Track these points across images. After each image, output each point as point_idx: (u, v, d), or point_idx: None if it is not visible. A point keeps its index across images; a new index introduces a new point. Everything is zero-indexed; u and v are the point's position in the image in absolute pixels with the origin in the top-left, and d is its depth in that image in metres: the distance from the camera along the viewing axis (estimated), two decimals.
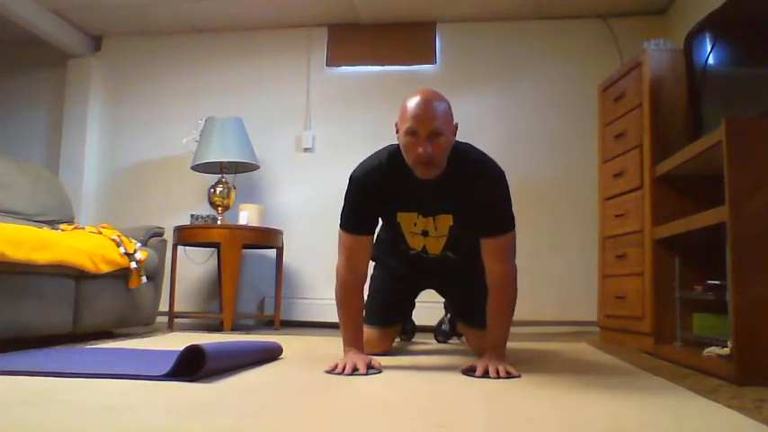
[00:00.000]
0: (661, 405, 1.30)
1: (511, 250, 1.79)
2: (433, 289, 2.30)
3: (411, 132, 1.64)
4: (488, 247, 1.77)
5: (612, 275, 2.84)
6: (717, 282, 2.02)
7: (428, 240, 1.94)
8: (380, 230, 2.08)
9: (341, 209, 1.82)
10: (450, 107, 1.71)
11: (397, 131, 1.73)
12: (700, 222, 1.98)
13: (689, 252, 2.35)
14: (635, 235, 2.61)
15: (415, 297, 2.36)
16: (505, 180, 1.77)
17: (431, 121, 1.63)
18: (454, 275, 2.14)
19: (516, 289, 1.79)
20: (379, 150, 1.84)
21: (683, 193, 2.40)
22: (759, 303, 1.66)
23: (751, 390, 1.53)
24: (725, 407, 1.28)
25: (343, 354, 1.78)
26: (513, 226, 1.78)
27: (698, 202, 2.23)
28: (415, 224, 1.90)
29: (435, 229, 1.90)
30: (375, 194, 1.79)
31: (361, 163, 1.83)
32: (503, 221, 1.77)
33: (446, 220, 1.86)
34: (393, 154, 1.77)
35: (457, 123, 1.74)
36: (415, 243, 1.98)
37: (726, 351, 1.84)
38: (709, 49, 2.18)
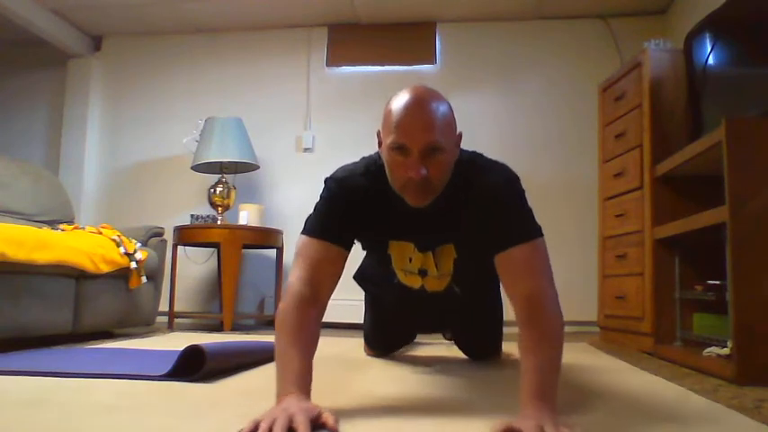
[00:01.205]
0: (661, 405, 1.30)
1: (539, 264, 1.23)
2: (435, 328, 2.13)
3: (399, 148, 1.19)
4: (505, 262, 1.24)
5: (612, 275, 2.84)
6: (717, 282, 2.02)
7: (428, 280, 1.55)
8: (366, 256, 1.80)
9: (308, 216, 1.35)
10: (451, 110, 1.26)
11: (380, 144, 1.28)
12: (700, 222, 1.98)
13: (689, 252, 2.35)
14: (635, 235, 2.61)
15: (414, 332, 2.16)
16: (519, 185, 1.35)
17: (426, 133, 1.18)
18: (460, 310, 1.81)
19: (560, 314, 1.18)
20: (367, 158, 1.43)
21: (683, 193, 2.40)
22: (759, 303, 1.66)
23: (751, 390, 1.53)
24: (725, 407, 1.28)
25: (276, 398, 1.08)
26: (538, 234, 1.27)
27: (698, 202, 2.23)
28: (410, 259, 1.50)
29: (436, 267, 1.50)
30: (360, 206, 1.34)
31: (344, 166, 1.43)
32: (520, 227, 1.26)
33: (449, 253, 1.48)
34: (381, 167, 1.32)
35: (461, 132, 1.31)
36: (411, 282, 1.58)
37: (726, 351, 1.84)
38: (709, 49, 2.18)
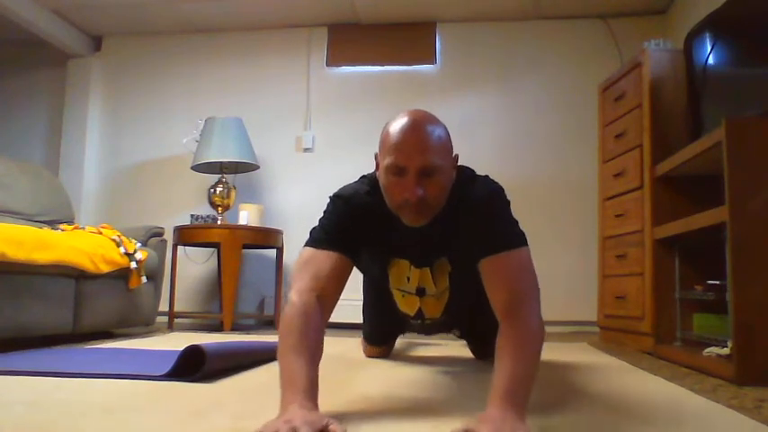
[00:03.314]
0: (661, 405, 1.30)
1: (521, 272, 1.23)
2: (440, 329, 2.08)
3: (396, 169, 1.22)
4: (488, 270, 1.25)
5: (612, 275, 2.84)
6: (717, 282, 2.02)
7: (425, 302, 1.54)
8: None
9: (312, 229, 1.37)
10: (447, 133, 1.30)
11: (377, 167, 1.32)
12: (700, 222, 1.98)
13: (689, 252, 2.34)
14: (635, 235, 2.61)
15: None
16: (503, 196, 1.38)
17: (423, 154, 1.20)
18: (461, 318, 1.83)
19: (540, 321, 1.16)
20: (368, 177, 1.45)
21: (682, 193, 2.40)
22: (759, 303, 1.66)
23: (751, 390, 1.53)
24: (725, 407, 1.28)
25: (280, 407, 1.00)
26: (521, 243, 1.28)
27: (698, 202, 2.23)
28: (408, 279, 1.51)
29: (435, 284, 1.51)
30: (364, 223, 1.37)
31: (348, 185, 1.46)
32: (502, 236, 1.28)
33: (444, 267, 1.50)
34: (377, 186, 1.35)
35: (457, 155, 1.34)
36: (408, 306, 1.58)
37: (726, 351, 1.84)
38: (709, 49, 2.18)
